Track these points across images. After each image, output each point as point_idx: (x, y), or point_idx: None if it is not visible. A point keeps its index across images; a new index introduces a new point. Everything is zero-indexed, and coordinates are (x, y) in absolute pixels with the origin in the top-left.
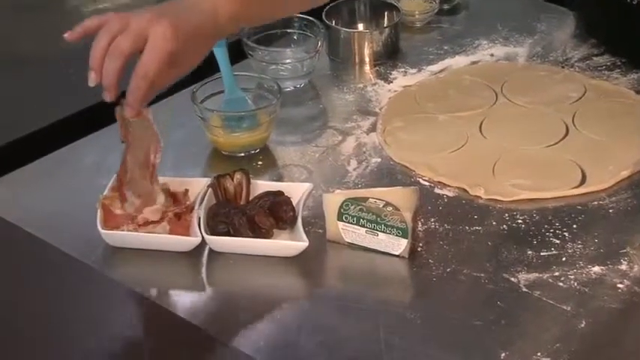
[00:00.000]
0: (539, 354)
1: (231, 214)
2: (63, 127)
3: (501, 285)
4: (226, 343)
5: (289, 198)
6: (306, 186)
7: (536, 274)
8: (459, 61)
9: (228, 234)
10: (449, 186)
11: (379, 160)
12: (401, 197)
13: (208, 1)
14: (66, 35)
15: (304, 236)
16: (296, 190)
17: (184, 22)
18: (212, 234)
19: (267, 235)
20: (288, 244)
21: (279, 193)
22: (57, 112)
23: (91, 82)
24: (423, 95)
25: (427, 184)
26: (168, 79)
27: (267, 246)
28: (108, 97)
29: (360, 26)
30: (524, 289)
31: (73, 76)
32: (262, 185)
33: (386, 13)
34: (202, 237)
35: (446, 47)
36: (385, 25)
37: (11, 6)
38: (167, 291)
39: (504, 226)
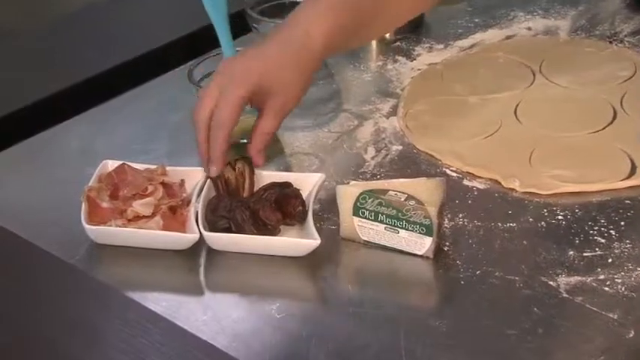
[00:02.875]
0: None
1: (232, 207)
2: (43, 108)
3: (538, 289)
4: (227, 353)
5: (298, 190)
6: (318, 176)
7: (579, 278)
8: (491, 36)
9: (229, 230)
10: (479, 177)
11: (400, 147)
12: (425, 190)
13: (300, 28)
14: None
15: (315, 233)
16: (306, 182)
17: (267, 58)
18: (211, 230)
19: (273, 231)
20: (297, 242)
21: (287, 185)
22: (35, 92)
23: (213, 172)
24: (450, 74)
25: (455, 175)
26: (273, 118)
27: (273, 244)
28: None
29: None
30: (565, 295)
31: (53, 50)
32: (268, 176)
33: None
34: (200, 234)
35: (477, 20)
36: None
37: None
38: (160, 294)
39: (542, 222)
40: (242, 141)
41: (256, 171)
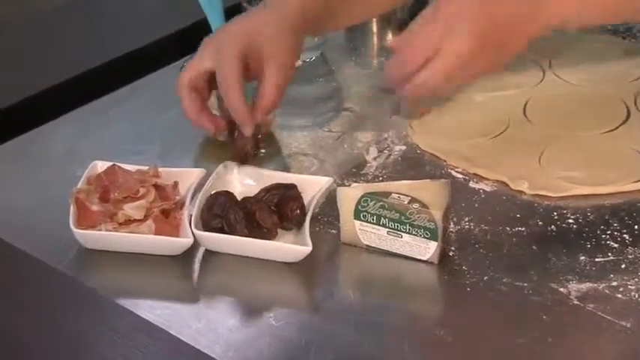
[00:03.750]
0: None
1: (227, 207)
2: (27, 108)
3: (548, 296)
4: None
5: (299, 194)
6: (325, 180)
7: (590, 284)
8: None
9: (221, 230)
10: (486, 179)
11: (404, 147)
12: (429, 192)
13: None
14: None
15: (308, 239)
16: (311, 185)
17: (249, 19)
18: (205, 229)
19: (269, 235)
20: (288, 247)
21: (291, 187)
22: (19, 91)
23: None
24: None
25: (461, 176)
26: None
27: (264, 248)
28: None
29: None
30: (576, 302)
31: (37, 47)
32: (273, 176)
33: None
34: (194, 238)
35: None
36: None
37: None
38: (152, 302)
39: (552, 226)
40: None
41: (263, 171)
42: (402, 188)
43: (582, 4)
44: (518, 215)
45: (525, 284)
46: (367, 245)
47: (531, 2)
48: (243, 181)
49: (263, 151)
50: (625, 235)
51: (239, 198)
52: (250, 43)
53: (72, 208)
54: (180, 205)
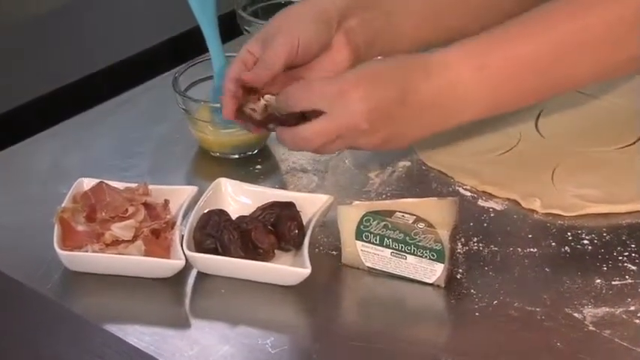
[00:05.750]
0: None
1: (221, 226)
2: (9, 121)
3: (562, 322)
4: None
5: (298, 212)
6: (324, 198)
7: (606, 309)
8: None
9: (215, 252)
10: (496, 197)
11: (408, 163)
12: (436, 211)
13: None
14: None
15: (307, 262)
16: (310, 203)
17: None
18: (197, 250)
19: (265, 256)
20: (285, 269)
21: (289, 205)
22: (2, 102)
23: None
24: None
25: (469, 194)
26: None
27: (260, 270)
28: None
29: None
30: (591, 328)
31: (20, 56)
32: (270, 194)
33: None
34: (186, 259)
35: None
36: None
37: None
38: (142, 328)
39: (566, 247)
40: (232, 156)
41: (259, 189)
42: (407, 207)
43: (495, 106)
44: (530, 235)
45: (538, 309)
46: (370, 267)
47: (439, 108)
48: (238, 199)
49: (259, 167)
50: None
51: (234, 217)
52: (269, 27)
53: (56, 228)
54: (172, 224)
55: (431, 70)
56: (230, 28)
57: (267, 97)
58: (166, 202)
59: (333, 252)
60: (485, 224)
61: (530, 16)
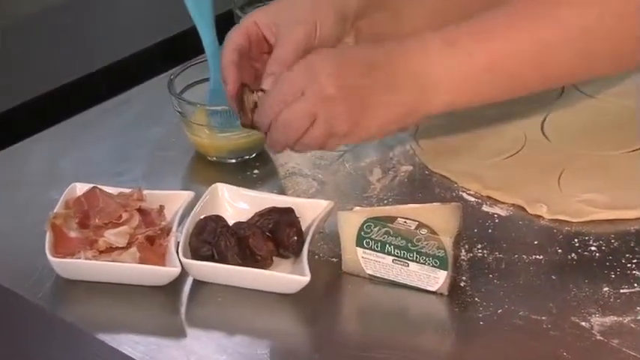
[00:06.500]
0: None
1: (217, 233)
2: (1, 123)
3: (569, 331)
4: None
5: (297, 219)
6: (324, 204)
7: (614, 318)
8: None
9: (211, 259)
10: (501, 202)
11: (410, 168)
12: (439, 217)
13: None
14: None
15: (307, 269)
16: (310, 209)
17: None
18: (194, 258)
19: (263, 263)
20: (284, 277)
21: (288, 211)
22: None
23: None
24: None
25: (473, 199)
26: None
27: (258, 278)
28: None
29: None
30: (599, 337)
31: (10, 57)
32: (268, 199)
33: None
34: (182, 267)
35: None
36: None
37: None
38: (136, 337)
39: (573, 254)
40: (229, 160)
41: (257, 194)
42: (409, 212)
43: (474, 91)
44: (535, 242)
45: (544, 318)
46: (371, 275)
47: (411, 90)
48: (235, 205)
49: (256, 171)
50: None
51: (231, 223)
52: (278, 10)
53: (48, 235)
54: (167, 231)
55: (403, 40)
56: (227, 29)
57: (260, 94)
58: (161, 207)
59: (333, 259)
60: (489, 230)
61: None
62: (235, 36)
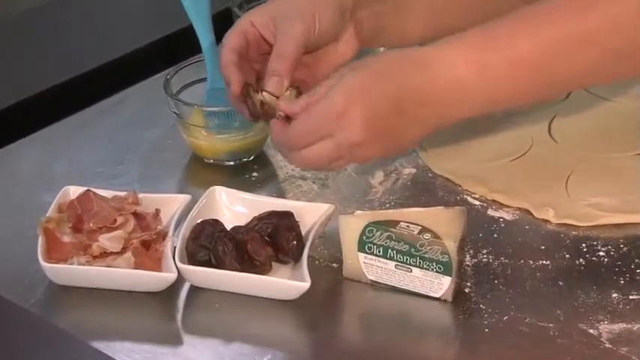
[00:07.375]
0: None
1: (215, 237)
2: None
3: (577, 338)
4: None
5: (297, 223)
6: (325, 208)
7: (623, 325)
8: None
9: (209, 264)
10: (507, 206)
11: (413, 170)
12: (442, 221)
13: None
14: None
15: (306, 274)
16: (310, 212)
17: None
18: (190, 263)
19: (262, 269)
20: (283, 283)
21: (288, 215)
22: None
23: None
24: None
25: (478, 203)
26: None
27: (257, 283)
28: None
29: None
30: (607, 345)
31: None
32: (266, 202)
33: None
34: (178, 272)
35: None
36: None
37: None
38: (131, 345)
39: (581, 260)
40: (227, 163)
41: (255, 197)
42: (412, 216)
43: (490, 100)
44: (542, 247)
45: (551, 325)
46: (373, 281)
47: (437, 105)
48: (233, 208)
49: (255, 174)
50: None
51: (229, 227)
52: (277, 8)
53: (40, 240)
54: (163, 235)
55: (427, 65)
56: (225, 28)
57: (265, 94)
58: (157, 211)
59: (334, 264)
60: (495, 235)
61: (530, 12)
62: (232, 37)
